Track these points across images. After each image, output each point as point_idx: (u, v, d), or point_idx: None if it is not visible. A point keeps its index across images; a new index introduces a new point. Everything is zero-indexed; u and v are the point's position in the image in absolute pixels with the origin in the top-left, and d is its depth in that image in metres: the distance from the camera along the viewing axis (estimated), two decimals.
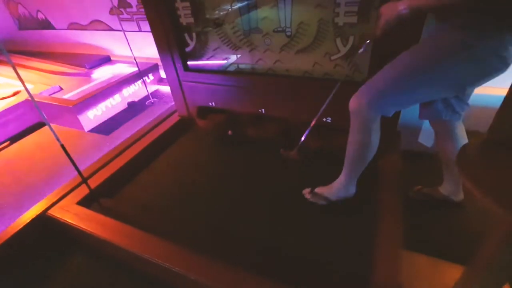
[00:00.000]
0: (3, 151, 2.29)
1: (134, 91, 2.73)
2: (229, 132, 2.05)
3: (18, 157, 2.17)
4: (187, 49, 1.90)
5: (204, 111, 2.10)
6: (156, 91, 2.90)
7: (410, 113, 1.51)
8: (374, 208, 1.38)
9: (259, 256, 1.28)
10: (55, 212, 1.49)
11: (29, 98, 2.51)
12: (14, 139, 2.43)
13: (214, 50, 1.84)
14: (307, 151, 1.68)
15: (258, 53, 1.73)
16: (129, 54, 3.26)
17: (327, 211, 1.44)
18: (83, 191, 1.59)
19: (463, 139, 1.28)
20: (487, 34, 0.92)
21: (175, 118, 2.24)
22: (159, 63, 3.07)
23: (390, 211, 1.30)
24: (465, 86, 1.08)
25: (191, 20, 1.76)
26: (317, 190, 1.46)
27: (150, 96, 2.71)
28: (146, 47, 3.01)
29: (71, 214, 1.47)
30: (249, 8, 1.63)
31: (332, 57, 1.56)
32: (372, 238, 1.21)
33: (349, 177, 1.35)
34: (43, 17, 3.73)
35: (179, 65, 1.94)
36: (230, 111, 2.01)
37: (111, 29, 3.15)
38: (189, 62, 1.97)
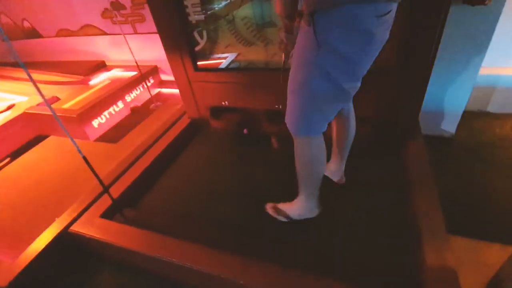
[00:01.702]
0: (4, 168, 2.17)
1: (136, 96, 2.64)
2: (245, 131, 2.01)
3: (23, 174, 2.06)
4: (197, 48, 1.83)
5: (217, 111, 2.04)
6: (157, 94, 2.81)
7: (427, 98, 1.51)
8: (407, 195, 1.37)
9: (293, 256, 1.25)
10: (78, 228, 1.41)
11: (27, 111, 2.40)
12: (14, 155, 2.31)
13: (225, 47, 1.79)
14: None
15: (273, 47, 1.69)
16: (125, 58, 3.16)
17: (357, 205, 1.42)
18: (104, 203, 1.52)
19: (354, 120, 1.33)
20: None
21: (185, 121, 2.17)
22: (158, 65, 2.99)
23: (426, 196, 1.29)
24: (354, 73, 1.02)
25: (201, 17, 1.70)
26: (279, 205, 1.41)
27: (154, 100, 2.62)
28: (142, 50, 2.91)
29: (96, 228, 1.40)
30: (261, 1, 1.58)
31: None
32: (415, 226, 1.20)
33: (306, 195, 1.29)
34: (29, 26, 3.56)
35: (188, 65, 1.87)
36: (245, 109, 1.97)
37: (105, 33, 3.04)
38: (199, 62, 1.90)
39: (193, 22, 1.72)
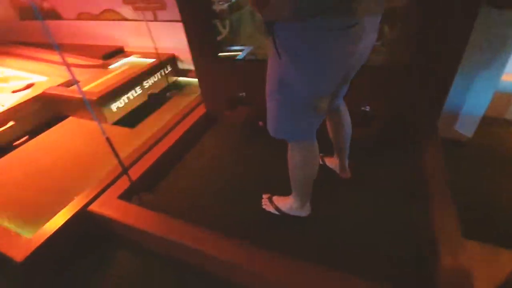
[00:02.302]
0: (22, 146, 2.23)
1: (154, 83, 2.67)
2: (260, 123, 2.02)
3: (40, 153, 2.11)
4: (219, 38, 1.84)
5: (234, 102, 2.06)
6: (174, 82, 2.84)
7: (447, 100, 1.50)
8: (421, 198, 1.38)
9: (313, 247, 1.28)
10: (96, 208, 1.46)
11: (47, 92, 2.45)
12: (32, 133, 2.37)
13: (247, 38, 1.79)
14: None
15: None
16: (143, 44, 3.19)
17: (375, 201, 1.43)
18: (123, 185, 1.56)
19: (347, 116, 1.33)
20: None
21: (201, 110, 2.20)
22: (175, 54, 3.01)
23: (441, 200, 1.29)
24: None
25: (225, 6, 1.70)
26: (274, 198, 1.43)
27: (170, 88, 2.65)
28: (160, 37, 2.92)
29: (113, 209, 1.44)
30: None
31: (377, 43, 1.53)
32: (430, 229, 1.21)
33: (296, 194, 1.31)
34: (49, 6, 3.60)
35: (209, 55, 1.88)
36: (261, 102, 1.97)
37: (125, 19, 3.06)
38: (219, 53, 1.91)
39: (217, 11, 1.73)
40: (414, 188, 1.45)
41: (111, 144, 1.31)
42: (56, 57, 3.11)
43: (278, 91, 0.98)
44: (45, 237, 1.33)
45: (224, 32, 1.79)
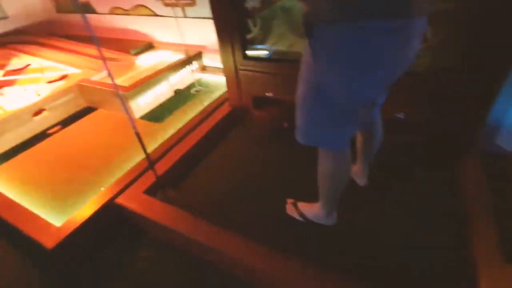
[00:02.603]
0: (55, 135, 2.32)
1: (181, 79, 2.70)
2: (285, 124, 1.98)
3: (71, 142, 2.19)
4: (249, 36, 1.82)
5: (260, 101, 2.03)
6: (199, 79, 2.85)
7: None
8: (458, 216, 1.29)
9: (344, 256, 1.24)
10: (123, 201, 1.49)
11: (81, 83, 2.54)
12: (64, 123, 2.46)
13: (278, 37, 1.76)
14: None
15: None
16: (170, 40, 3.23)
17: (405, 217, 1.36)
18: (148, 180, 1.58)
19: (380, 127, 1.25)
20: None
21: (226, 108, 2.19)
22: (203, 50, 3.02)
23: (482, 220, 1.21)
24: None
25: (257, 4, 1.67)
26: (299, 204, 1.38)
27: (196, 85, 2.66)
28: (188, 34, 2.95)
29: (139, 203, 1.47)
30: None
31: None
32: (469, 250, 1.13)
33: (324, 203, 1.25)
34: (85, 0, 3.73)
35: (238, 53, 1.86)
36: (288, 102, 1.94)
37: (155, 15, 3.11)
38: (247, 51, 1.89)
39: (249, 8, 1.70)
40: (450, 205, 1.37)
41: (140, 140, 1.33)
42: (89, 50, 3.22)
43: (313, 97, 0.94)
44: (74, 227, 1.38)
45: (255, 30, 1.76)
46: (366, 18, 0.71)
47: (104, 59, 1.11)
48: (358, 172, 1.47)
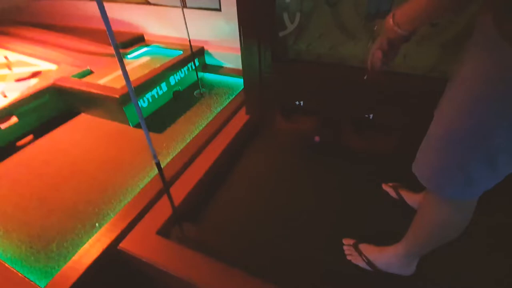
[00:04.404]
0: (26, 148, 1.86)
1: (180, 79, 2.31)
2: (317, 138, 1.69)
3: (48, 156, 1.75)
4: (281, 33, 1.50)
5: (287, 110, 1.72)
6: (200, 79, 2.48)
7: None
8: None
9: None
10: (129, 246, 1.12)
11: (57, 83, 2.09)
12: (38, 132, 2.00)
13: (318, 36, 1.45)
14: None
15: None
16: (165, 33, 2.82)
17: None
18: (160, 213, 1.22)
19: None
20: None
21: (243, 117, 1.86)
22: (205, 46, 2.64)
23: None
24: None
25: None
26: (362, 246, 1.12)
27: (199, 86, 2.30)
28: (188, 26, 2.56)
29: (152, 248, 1.11)
30: None
31: None
32: None
33: (411, 253, 1.00)
34: None
35: (266, 54, 1.54)
36: (321, 113, 1.65)
37: (147, 3, 2.68)
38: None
39: (286, 0, 1.38)
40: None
41: (160, 170, 0.97)
42: (67, 41, 2.72)
43: (468, 130, 0.65)
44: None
45: (291, 27, 1.44)
46: None
47: (122, 65, 0.75)
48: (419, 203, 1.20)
